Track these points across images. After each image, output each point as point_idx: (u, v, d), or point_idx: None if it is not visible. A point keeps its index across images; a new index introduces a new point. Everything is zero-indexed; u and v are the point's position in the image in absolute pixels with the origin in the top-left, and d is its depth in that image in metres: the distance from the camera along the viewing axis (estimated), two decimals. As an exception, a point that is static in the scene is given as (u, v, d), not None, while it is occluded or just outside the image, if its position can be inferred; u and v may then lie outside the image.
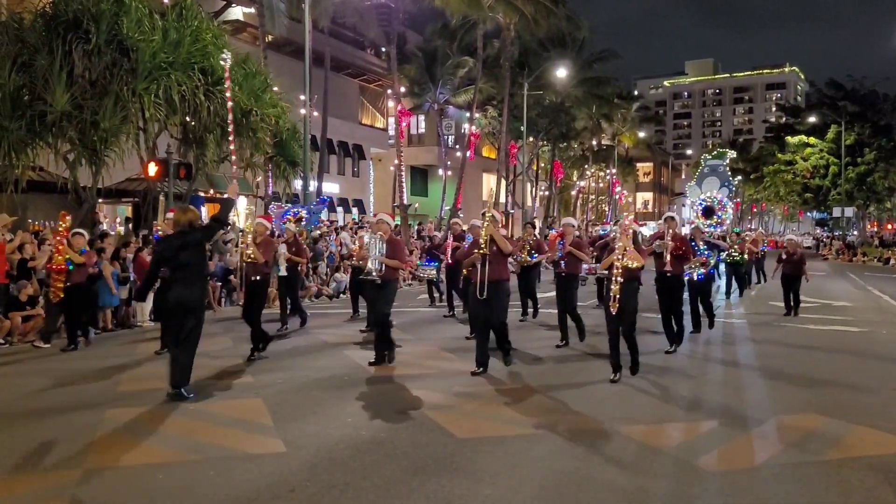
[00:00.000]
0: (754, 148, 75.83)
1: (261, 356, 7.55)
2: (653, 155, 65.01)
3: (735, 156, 48.05)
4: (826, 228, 56.36)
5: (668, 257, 7.94)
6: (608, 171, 52.52)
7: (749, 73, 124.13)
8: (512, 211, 34.43)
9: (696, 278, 9.21)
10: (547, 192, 44.20)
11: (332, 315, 11.91)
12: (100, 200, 14.20)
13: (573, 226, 9.05)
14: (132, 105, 11.88)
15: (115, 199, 18.26)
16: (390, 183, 32.88)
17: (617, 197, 52.54)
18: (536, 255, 10.29)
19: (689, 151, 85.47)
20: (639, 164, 64.42)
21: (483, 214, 6.83)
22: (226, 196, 6.38)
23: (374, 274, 7.00)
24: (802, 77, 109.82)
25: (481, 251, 6.61)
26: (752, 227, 67.54)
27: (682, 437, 4.84)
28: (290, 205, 16.67)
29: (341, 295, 15.38)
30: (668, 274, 8.01)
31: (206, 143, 14.01)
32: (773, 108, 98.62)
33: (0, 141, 10.81)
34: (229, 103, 7.96)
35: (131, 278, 10.38)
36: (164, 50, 12.09)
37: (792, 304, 11.88)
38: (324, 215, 20.16)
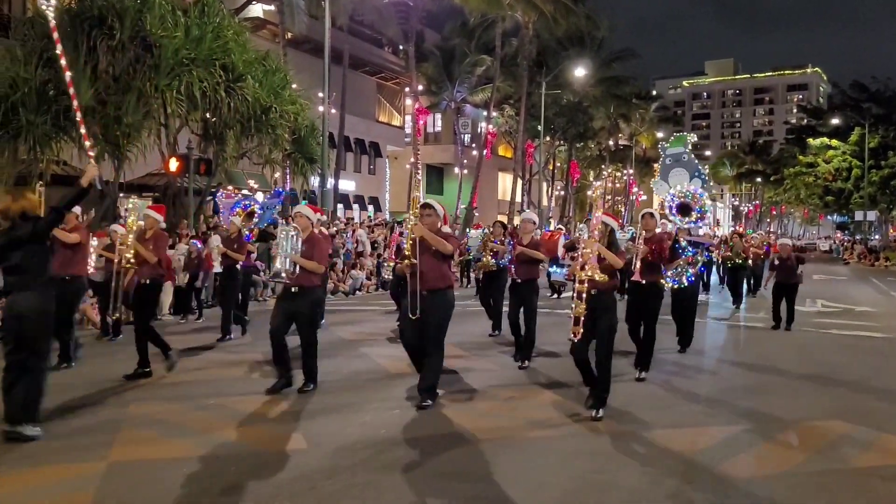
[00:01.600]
0: (775, 150, 74.82)
1: (143, 371, 6.37)
2: (670, 156, 64.27)
3: (696, 139, 45.32)
4: (847, 232, 55.46)
5: (638, 265, 6.52)
6: (625, 172, 52.10)
7: (770, 73, 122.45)
8: (528, 210, 34.34)
9: (685, 282, 7.74)
10: (563, 192, 44.01)
11: (348, 312, 11.95)
12: (121, 195, 14.40)
13: (534, 223, 7.62)
14: (154, 101, 12.07)
15: (136, 194, 18.52)
16: (406, 181, 32.93)
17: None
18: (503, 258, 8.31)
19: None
20: (656, 165, 63.58)
21: (411, 207, 5.37)
22: (81, 181, 4.86)
23: (282, 275, 5.62)
24: (825, 78, 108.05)
25: (407, 261, 5.21)
26: (772, 230, 66.67)
27: (705, 443, 4.78)
28: (242, 196, 15.58)
29: (357, 292, 15.46)
30: (638, 283, 6.64)
31: (226, 139, 14.18)
32: (795, 110, 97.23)
33: (26, 135, 11.04)
34: (64, 65, 5.76)
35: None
36: (187, 46, 12.27)
37: (784, 316, 10.18)
38: (343, 211, 19.78)
